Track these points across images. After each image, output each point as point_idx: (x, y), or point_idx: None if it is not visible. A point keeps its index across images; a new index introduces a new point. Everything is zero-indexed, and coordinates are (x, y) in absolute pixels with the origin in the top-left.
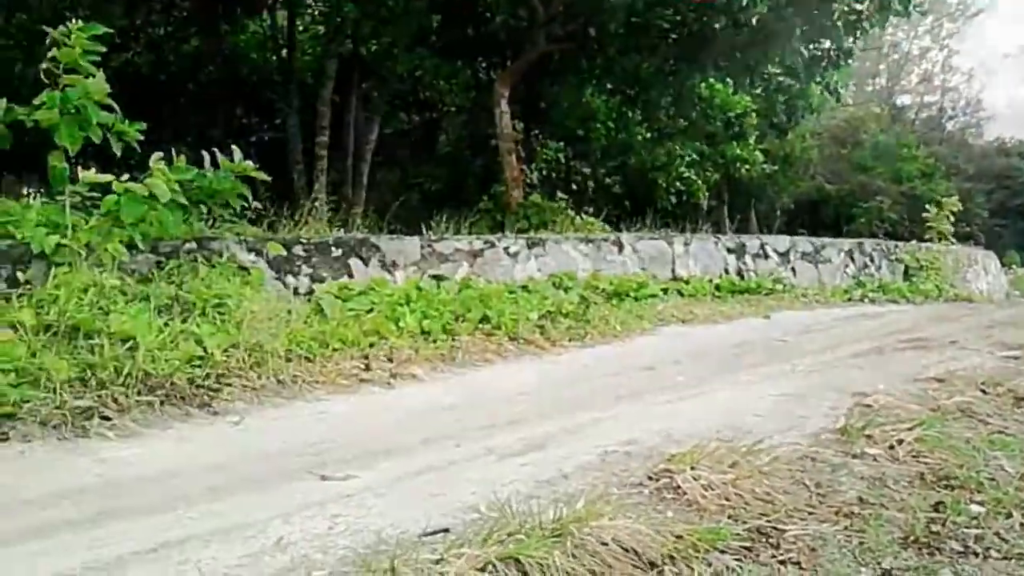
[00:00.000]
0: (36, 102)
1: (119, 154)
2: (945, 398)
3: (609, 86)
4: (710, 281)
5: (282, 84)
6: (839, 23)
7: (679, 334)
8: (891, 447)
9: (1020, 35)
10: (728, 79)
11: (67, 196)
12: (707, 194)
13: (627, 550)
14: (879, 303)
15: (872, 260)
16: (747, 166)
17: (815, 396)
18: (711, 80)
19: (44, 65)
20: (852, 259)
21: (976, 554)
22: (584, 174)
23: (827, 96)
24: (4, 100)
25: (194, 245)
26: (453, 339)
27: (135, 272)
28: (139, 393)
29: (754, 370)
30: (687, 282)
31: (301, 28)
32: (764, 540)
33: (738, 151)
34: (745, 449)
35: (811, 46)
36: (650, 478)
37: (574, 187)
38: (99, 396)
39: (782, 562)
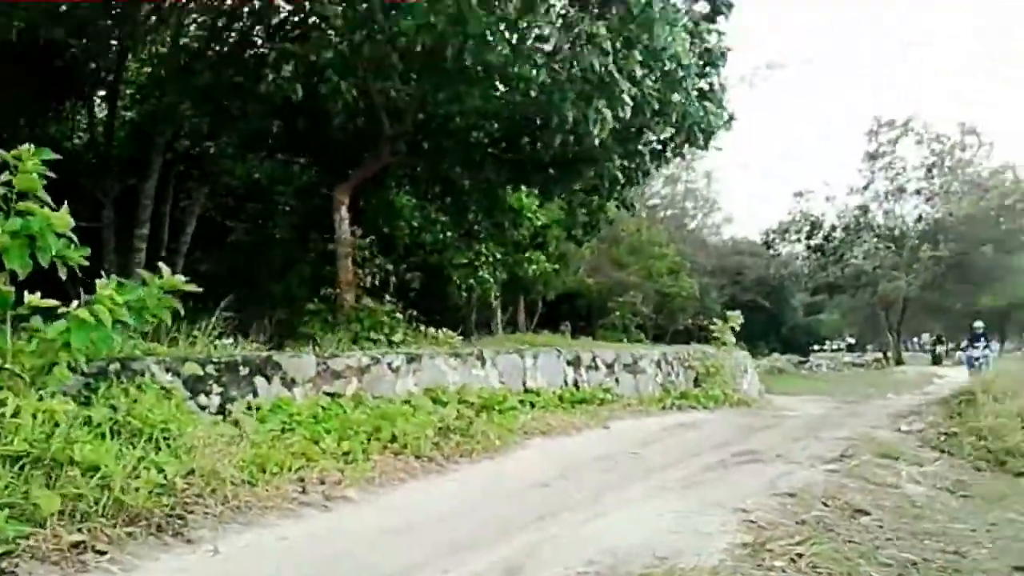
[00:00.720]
0: None
1: (64, 278)
2: (803, 512)
3: (427, 193)
4: (554, 392)
5: (99, 174)
6: (647, 152)
7: (546, 446)
8: (792, 560)
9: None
10: (539, 193)
11: (7, 322)
12: (498, 293)
13: None
14: (684, 410)
15: (673, 368)
16: (534, 267)
17: (704, 514)
18: (521, 194)
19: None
20: (659, 367)
21: None
22: (387, 271)
23: (623, 210)
24: None
25: (118, 365)
26: (368, 458)
27: (66, 395)
28: (122, 524)
29: (631, 487)
30: (538, 393)
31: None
32: None
33: (529, 255)
34: (692, 568)
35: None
36: None
37: (375, 283)
38: (89, 530)
39: None
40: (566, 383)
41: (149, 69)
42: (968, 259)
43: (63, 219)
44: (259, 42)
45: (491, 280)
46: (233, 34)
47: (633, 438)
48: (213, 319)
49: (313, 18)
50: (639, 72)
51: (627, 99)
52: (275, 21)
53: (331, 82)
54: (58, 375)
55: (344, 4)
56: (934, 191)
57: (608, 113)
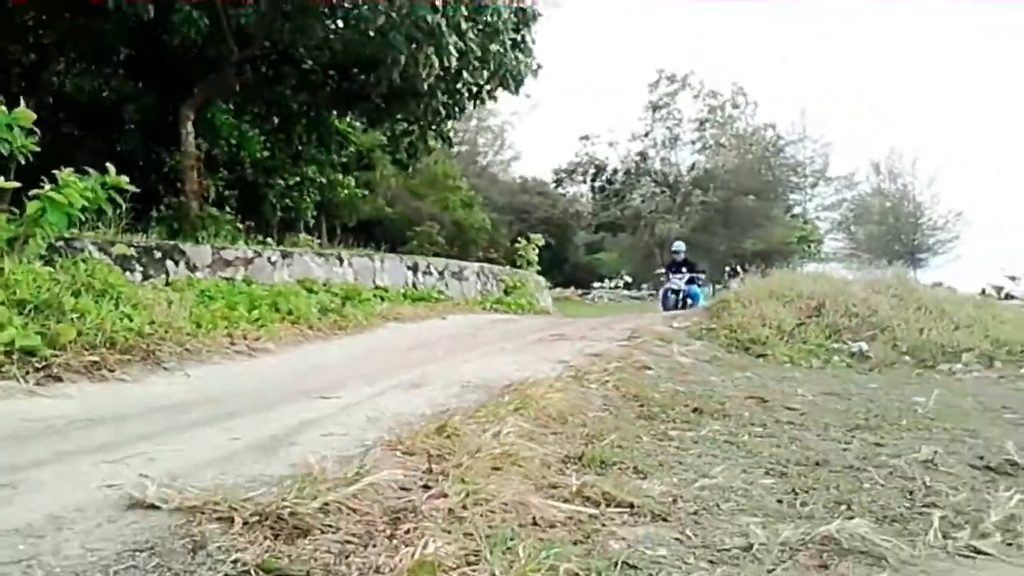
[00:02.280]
0: None
1: (22, 162)
2: (606, 365)
3: (257, 112)
4: (398, 291)
5: None
6: (465, 91)
7: (402, 328)
8: (604, 382)
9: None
10: (367, 122)
11: None
12: (314, 213)
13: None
14: (500, 312)
15: (488, 279)
16: (345, 191)
17: (536, 363)
18: (348, 119)
19: None
20: (479, 277)
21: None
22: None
23: (440, 142)
24: None
25: (63, 243)
26: (271, 324)
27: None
28: (119, 353)
29: (479, 349)
30: (386, 290)
31: None
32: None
33: (339, 177)
34: (532, 383)
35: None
36: (503, 394)
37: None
38: (100, 355)
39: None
40: (407, 284)
41: None
42: (733, 205)
43: (26, 115)
44: None
45: (308, 201)
46: None
47: (467, 325)
48: (117, 214)
49: None
50: (464, 25)
51: (453, 51)
52: None
53: (183, 11)
54: (33, 246)
55: None
56: (706, 143)
57: (436, 60)
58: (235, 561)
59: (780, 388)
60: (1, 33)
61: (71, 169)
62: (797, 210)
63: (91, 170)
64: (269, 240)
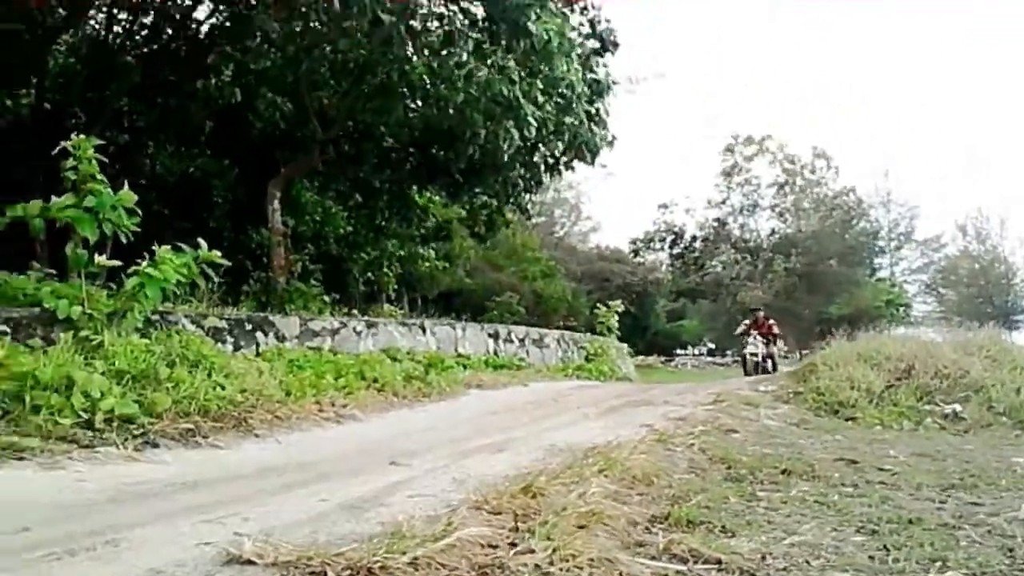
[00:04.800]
0: (60, 203)
1: (125, 242)
2: (690, 429)
3: (340, 189)
4: (479, 358)
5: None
6: (542, 164)
7: (484, 394)
8: (689, 445)
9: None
10: (446, 196)
11: (82, 276)
12: (396, 285)
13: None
14: (582, 379)
15: (569, 346)
16: (425, 263)
17: (620, 427)
18: (428, 193)
19: (69, 173)
20: (560, 344)
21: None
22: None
23: (517, 214)
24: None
25: (158, 316)
26: (358, 391)
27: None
28: (211, 421)
29: (562, 415)
30: (468, 358)
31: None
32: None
33: (423, 251)
34: (616, 446)
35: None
36: (587, 456)
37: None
38: (193, 423)
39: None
40: (488, 351)
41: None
42: (816, 270)
43: (129, 196)
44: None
45: (390, 274)
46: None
47: (550, 391)
48: (208, 288)
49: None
50: (540, 98)
51: (532, 121)
52: (209, 24)
53: (267, 98)
54: (131, 319)
55: (282, 21)
56: (786, 207)
57: (515, 133)
58: None
59: (870, 450)
60: (99, 118)
61: (168, 247)
62: (883, 273)
63: (184, 246)
64: (354, 312)
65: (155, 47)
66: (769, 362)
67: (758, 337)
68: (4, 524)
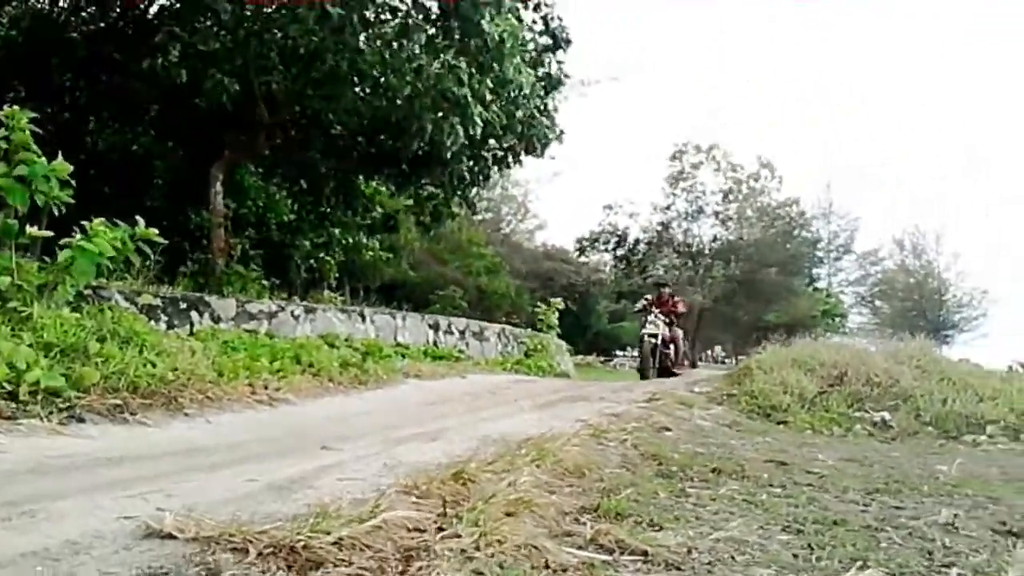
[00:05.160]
0: None
1: (57, 214)
2: (624, 425)
3: (285, 174)
4: (419, 348)
5: None
6: (490, 157)
7: (422, 384)
8: (622, 441)
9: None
10: (393, 186)
11: (13, 248)
12: (338, 274)
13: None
14: (520, 373)
15: (509, 340)
16: (369, 253)
17: (554, 420)
18: (374, 183)
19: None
20: (499, 338)
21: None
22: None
23: (464, 208)
24: None
25: (91, 291)
26: (293, 376)
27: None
28: (140, 398)
29: (498, 407)
30: (407, 347)
31: None
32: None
33: (367, 241)
34: (550, 438)
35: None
36: (520, 447)
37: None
38: (121, 399)
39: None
40: (428, 342)
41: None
42: (756, 278)
43: (63, 167)
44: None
45: (332, 262)
46: (113, 12)
47: (487, 384)
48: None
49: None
50: (488, 97)
51: (478, 120)
52: (159, 5)
53: (214, 78)
54: (62, 292)
55: (233, 3)
56: (729, 215)
57: (461, 130)
58: None
59: (800, 453)
60: (39, 93)
61: (102, 220)
62: (822, 283)
63: (121, 222)
64: (294, 296)
65: (102, 25)
66: (672, 348)
67: (659, 316)
68: None
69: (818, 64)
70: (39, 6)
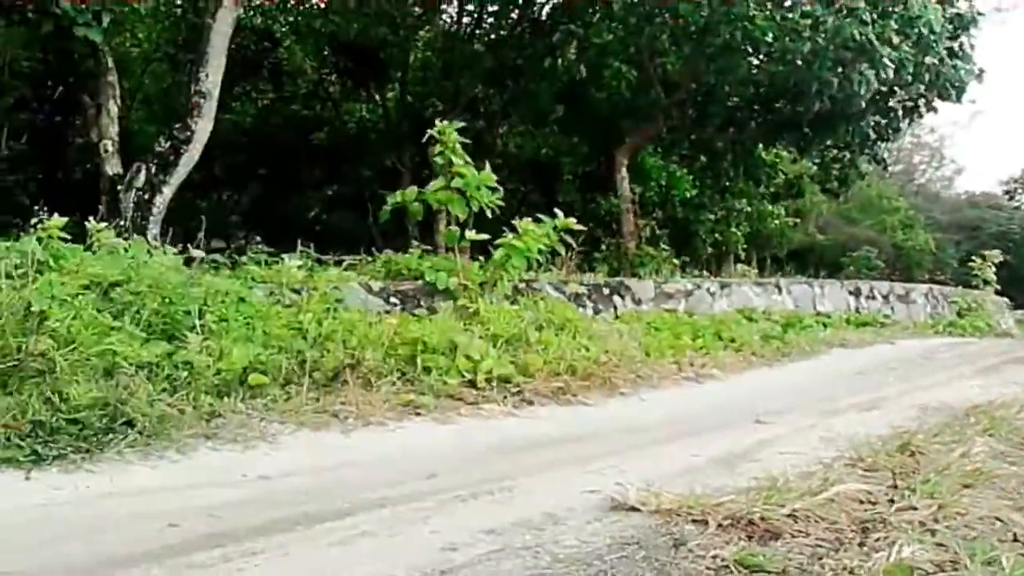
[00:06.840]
0: (433, 187)
1: (490, 217)
2: None
3: (685, 153)
4: (840, 316)
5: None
6: (900, 108)
7: (848, 353)
8: None
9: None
10: (790, 150)
11: (456, 251)
12: (744, 245)
13: None
14: (954, 335)
15: (939, 301)
16: (774, 221)
17: (1002, 386)
18: (774, 150)
19: (436, 158)
20: (927, 299)
21: None
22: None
23: (872, 165)
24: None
25: (523, 284)
26: (715, 351)
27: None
28: (579, 380)
29: (935, 375)
30: (828, 316)
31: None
32: None
33: (772, 209)
34: (1000, 405)
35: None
36: (968, 415)
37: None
38: (563, 382)
39: None
40: (849, 309)
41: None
42: None
43: (489, 176)
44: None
45: (738, 233)
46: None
47: (919, 349)
48: (567, 256)
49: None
50: (895, 39)
51: (888, 62)
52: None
53: (612, 67)
54: (500, 287)
55: None
56: None
57: (871, 75)
58: (714, 557)
59: None
60: (455, 105)
61: (528, 219)
62: None
63: (543, 217)
64: (705, 273)
65: (502, 32)
66: None
67: None
68: (416, 470)
69: None
70: (446, 26)
